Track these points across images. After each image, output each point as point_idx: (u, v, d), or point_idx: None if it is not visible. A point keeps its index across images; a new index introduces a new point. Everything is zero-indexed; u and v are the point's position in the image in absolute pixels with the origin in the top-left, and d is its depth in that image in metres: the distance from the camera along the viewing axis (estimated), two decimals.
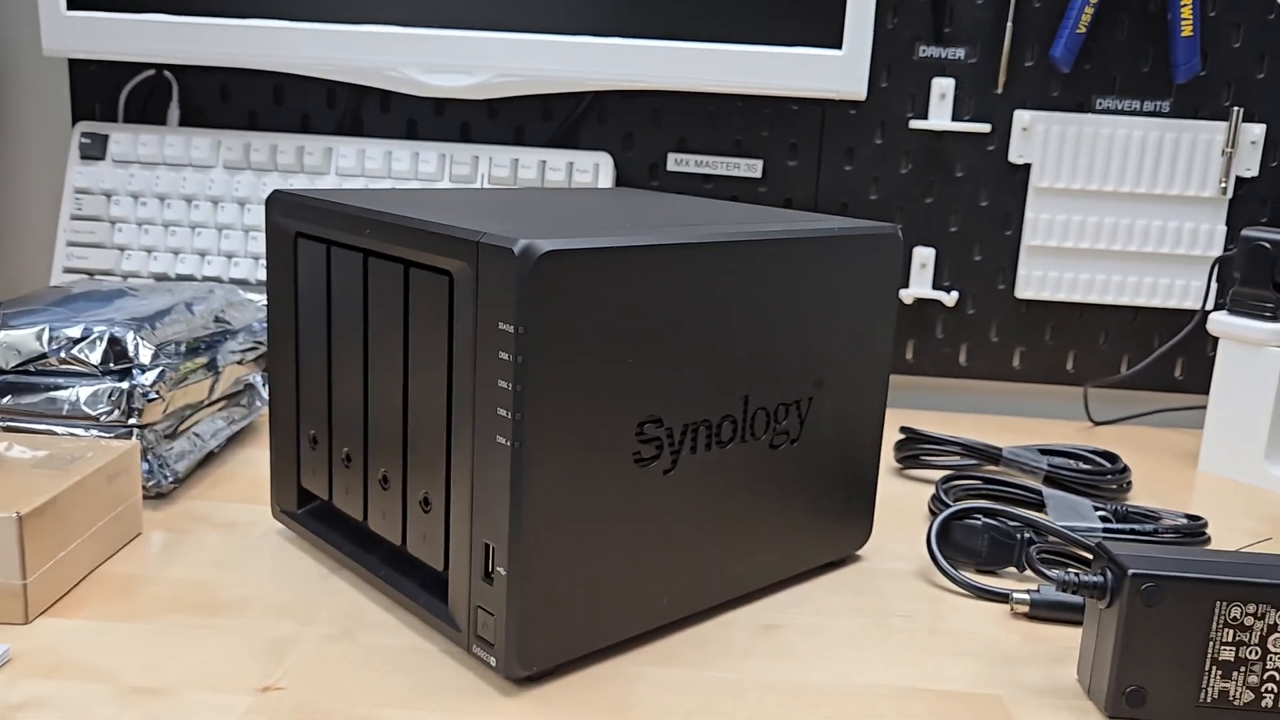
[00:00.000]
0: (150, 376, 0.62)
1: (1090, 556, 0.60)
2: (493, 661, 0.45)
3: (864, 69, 0.82)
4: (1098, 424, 0.94)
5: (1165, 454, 0.86)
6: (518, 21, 0.83)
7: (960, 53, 0.90)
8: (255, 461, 0.72)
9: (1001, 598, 0.57)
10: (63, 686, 0.44)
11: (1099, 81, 0.90)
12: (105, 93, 0.94)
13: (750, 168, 0.93)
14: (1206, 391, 0.95)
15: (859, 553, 0.63)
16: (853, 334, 0.56)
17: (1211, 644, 0.45)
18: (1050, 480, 0.75)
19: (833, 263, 0.54)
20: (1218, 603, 0.45)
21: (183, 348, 0.65)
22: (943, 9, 0.89)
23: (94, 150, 0.88)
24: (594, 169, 0.87)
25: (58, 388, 0.63)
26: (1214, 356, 0.95)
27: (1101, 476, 0.75)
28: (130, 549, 0.58)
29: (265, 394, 0.77)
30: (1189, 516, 0.67)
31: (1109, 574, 0.47)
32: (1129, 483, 0.75)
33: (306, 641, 0.49)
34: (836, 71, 0.83)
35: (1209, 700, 0.46)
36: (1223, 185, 0.90)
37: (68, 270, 0.87)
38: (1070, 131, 0.90)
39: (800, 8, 0.82)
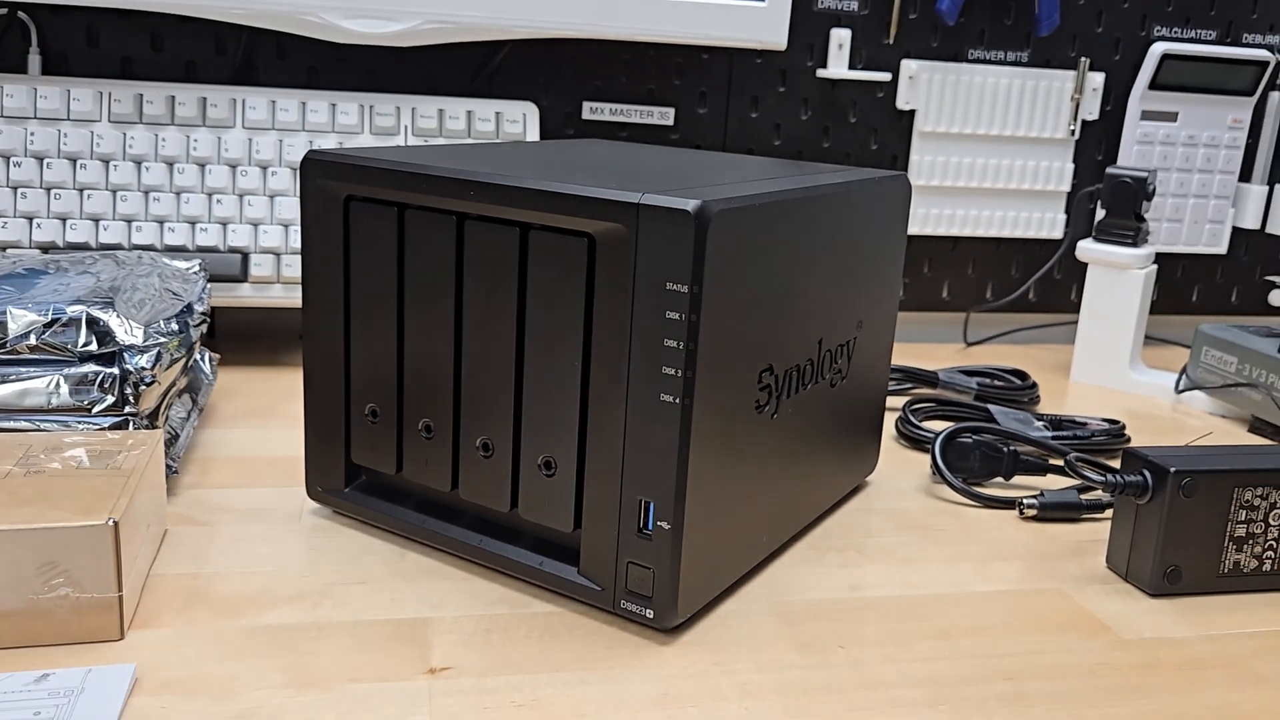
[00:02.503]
0: (147, 358, 0.57)
1: (1056, 462, 0.68)
2: (649, 614, 0.46)
3: (785, 20, 0.85)
4: (970, 344, 1.04)
5: (1038, 366, 0.98)
6: None
7: (854, 4, 0.95)
8: (224, 442, 0.67)
9: (1007, 504, 0.65)
10: (217, 701, 0.41)
11: (970, 34, 0.98)
12: None
13: (663, 115, 0.95)
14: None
15: (867, 479, 0.68)
16: (880, 274, 0.60)
17: (1229, 524, 0.54)
18: (979, 397, 0.83)
19: (874, 207, 0.58)
20: (1235, 489, 0.54)
21: (172, 324, 0.60)
22: None
23: None
24: (522, 119, 0.86)
25: (29, 378, 0.56)
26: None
27: (1018, 391, 0.84)
28: (167, 548, 0.53)
29: (208, 369, 0.71)
30: (1108, 421, 0.77)
31: (1147, 474, 0.54)
32: (1038, 396, 0.86)
33: (439, 622, 0.48)
34: (760, 22, 0.86)
35: (1226, 571, 0.55)
36: (1071, 128, 1.01)
37: None
38: (950, 80, 0.98)
39: None
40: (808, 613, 0.50)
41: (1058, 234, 1.04)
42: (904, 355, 0.98)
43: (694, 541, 0.46)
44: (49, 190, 0.77)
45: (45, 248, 0.77)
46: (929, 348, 1.02)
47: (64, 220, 0.77)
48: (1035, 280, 1.04)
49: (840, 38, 0.95)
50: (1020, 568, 0.57)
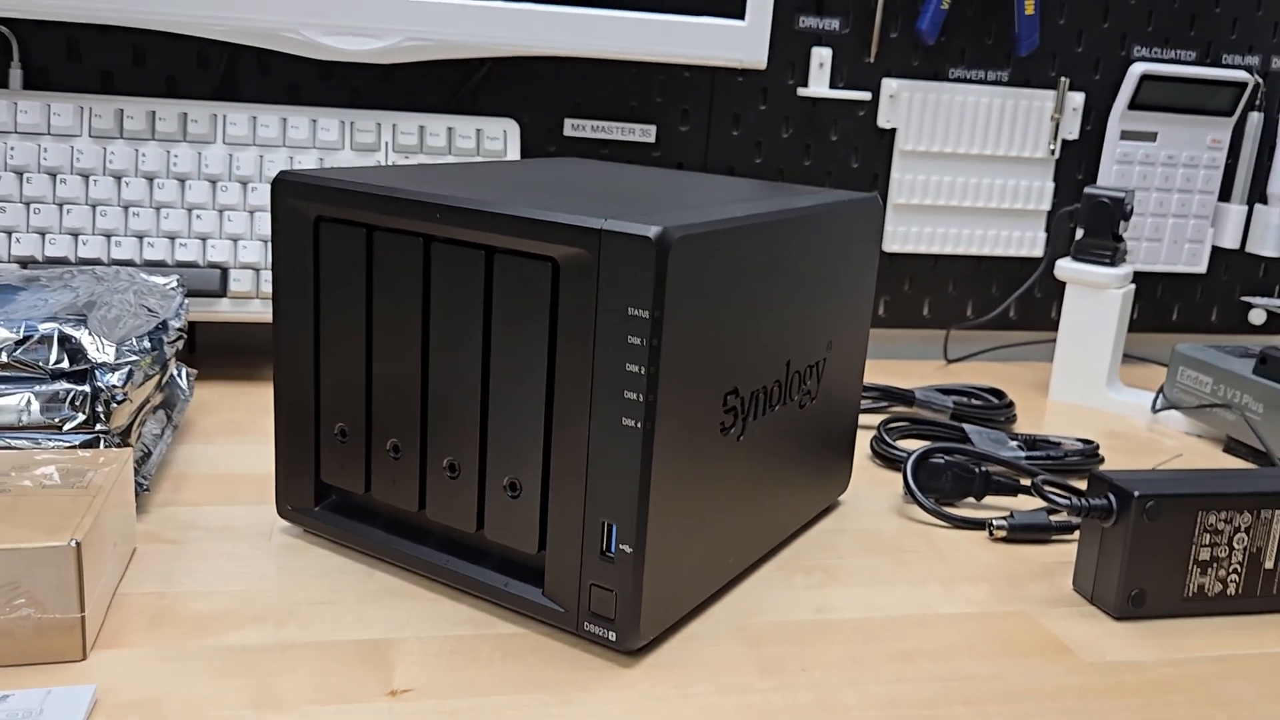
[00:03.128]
0: (118, 376, 0.57)
1: (1026, 482, 0.69)
2: (612, 636, 0.47)
3: (765, 39, 0.86)
4: (951, 362, 1.05)
5: (1017, 384, 0.98)
6: None
7: (835, 23, 0.96)
8: (198, 458, 0.67)
9: (978, 525, 0.65)
10: None
11: (950, 53, 0.99)
12: None
13: (645, 133, 0.95)
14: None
15: (840, 498, 0.68)
16: (851, 295, 0.61)
17: (1194, 547, 0.54)
18: (956, 416, 0.84)
19: (843, 229, 0.58)
20: (1200, 512, 0.54)
21: (145, 342, 0.60)
22: None
23: None
24: (503, 136, 0.86)
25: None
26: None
27: (994, 410, 0.85)
28: (135, 567, 0.53)
29: (185, 385, 0.71)
30: (1082, 441, 0.78)
31: (1112, 497, 0.54)
32: (1015, 415, 0.86)
33: (402, 643, 0.48)
34: (740, 41, 0.86)
35: (1191, 594, 0.55)
36: (1051, 147, 1.02)
37: None
38: (930, 99, 0.99)
39: None
40: (771, 635, 0.51)
41: (1038, 252, 1.04)
42: (884, 373, 0.98)
43: (657, 564, 0.46)
44: (28, 205, 0.78)
45: (24, 262, 0.77)
46: (909, 365, 1.03)
47: (43, 235, 0.78)
48: (1015, 298, 1.04)
49: (821, 57, 0.96)
50: (987, 590, 0.57)
